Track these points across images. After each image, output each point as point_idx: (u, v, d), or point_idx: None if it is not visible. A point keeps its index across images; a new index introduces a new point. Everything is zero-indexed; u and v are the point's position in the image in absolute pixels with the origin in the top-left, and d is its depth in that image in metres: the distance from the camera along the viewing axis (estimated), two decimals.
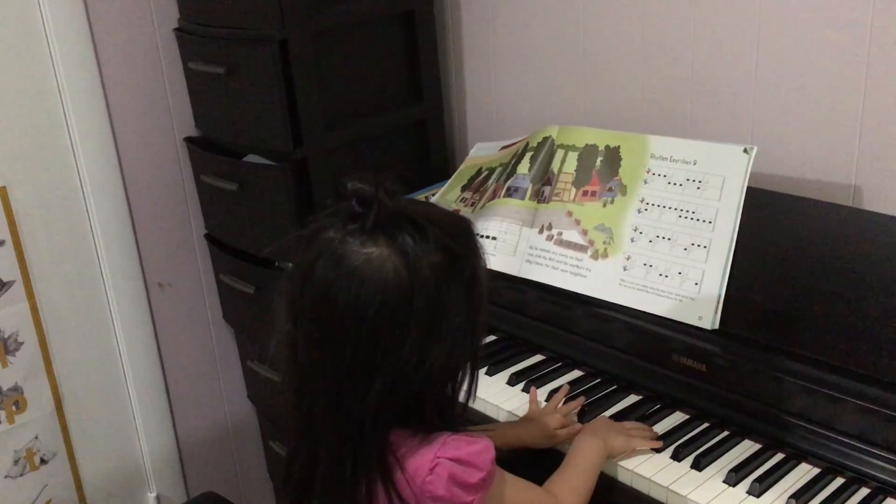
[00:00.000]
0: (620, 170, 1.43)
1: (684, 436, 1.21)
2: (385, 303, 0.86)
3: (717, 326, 1.26)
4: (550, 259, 1.45)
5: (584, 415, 1.28)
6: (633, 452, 1.18)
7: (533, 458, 1.23)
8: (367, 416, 0.88)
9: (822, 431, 1.14)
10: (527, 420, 1.26)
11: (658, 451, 1.19)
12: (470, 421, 1.01)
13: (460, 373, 0.94)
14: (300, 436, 0.95)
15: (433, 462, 0.89)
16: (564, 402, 1.29)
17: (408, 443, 0.91)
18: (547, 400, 1.32)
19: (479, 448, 0.91)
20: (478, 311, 0.92)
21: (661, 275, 1.33)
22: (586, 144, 1.49)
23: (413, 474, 0.90)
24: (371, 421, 0.89)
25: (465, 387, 0.96)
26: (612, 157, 1.45)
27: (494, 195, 1.58)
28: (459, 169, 1.79)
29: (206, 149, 1.88)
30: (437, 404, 0.94)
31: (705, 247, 1.31)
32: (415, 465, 0.90)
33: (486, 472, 0.91)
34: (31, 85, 1.74)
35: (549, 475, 1.11)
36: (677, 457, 1.17)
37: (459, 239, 0.91)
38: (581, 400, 1.28)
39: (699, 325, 1.27)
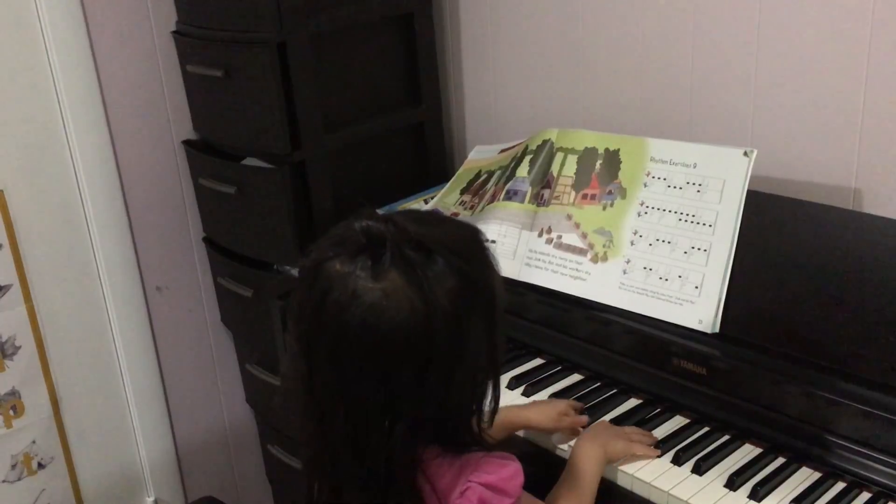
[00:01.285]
0: (620, 173, 1.43)
1: (685, 440, 1.21)
2: (406, 339, 0.83)
3: (717, 330, 1.25)
4: (550, 262, 1.44)
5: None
6: (632, 457, 1.18)
7: (533, 455, 1.23)
8: (396, 451, 0.86)
9: (823, 435, 1.13)
10: (533, 404, 1.27)
11: (658, 455, 1.19)
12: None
13: (486, 391, 0.92)
14: (323, 479, 0.93)
15: (465, 486, 0.88)
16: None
17: (438, 461, 0.90)
18: None
19: (510, 473, 0.90)
20: (497, 326, 0.90)
21: (661, 278, 1.33)
22: (586, 147, 1.49)
23: (443, 495, 0.89)
24: (400, 454, 0.87)
25: (489, 397, 0.94)
26: (612, 160, 1.45)
27: (493, 198, 1.58)
28: (458, 172, 1.78)
29: (204, 152, 1.87)
30: (464, 422, 0.92)
31: (705, 250, 1.30)
32: (446, 486, 0.89)
33: (515, 497, 0.91)
34: (29, 88, 1.74)
35: (551, 476, 1.10)
36: (678, 461, 1.17)
37: (473, 258, 0.88)
38: (585, 418, 1.27)
39: (699, 329, 1.27)
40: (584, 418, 1.25)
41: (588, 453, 1.14)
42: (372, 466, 0.87)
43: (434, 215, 1.03)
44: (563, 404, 1.26)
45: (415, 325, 0.83)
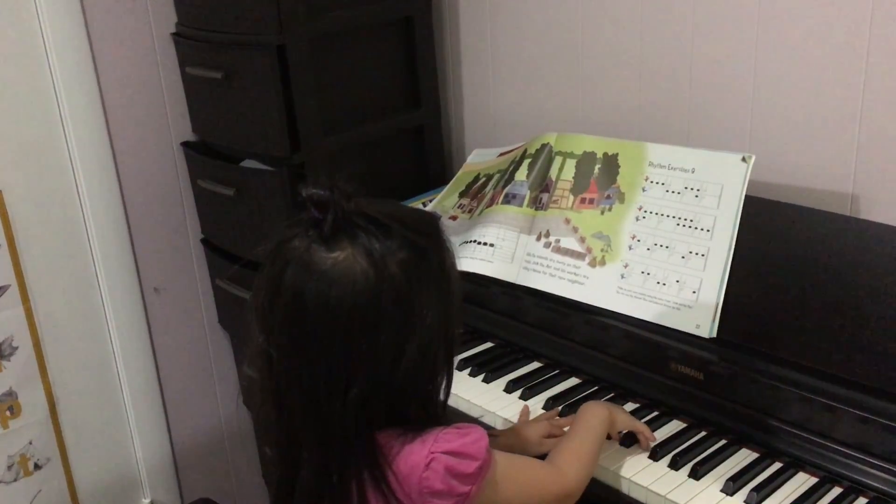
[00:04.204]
0: (618, 177, 1.43)
1: (682, 444, 1.21)
2: (355, 304, 0.87)
3: (714, 335, 1.26)
4: (548, 266, 1.45)
5: None
6: (629, 461, 1.18)
7: None
8: (350, 420, 0.88)
9: (820, 440, 1.14)
10: (513, 429, 1.26)
11: (655, 459, 1.19)
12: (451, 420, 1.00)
13: (439, 369, 0.94)
14: (282, 446, 0.95)
15: (428, 457, 0.89)
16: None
17: (397, 443, 0.91)
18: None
19: (472, 437, 0.92)
20: (450, 303, 0.93)
21: (658, 283, 1.33)
22: (584, 152, 1.49)
23: (408, 473, 0.90)
24: (354, 424, 0.89)
25: (444, 383, 0.96)
26: (611, 164, 1.45)
27: (492, 202, 1.58)
28: (457, 175, 1.79)
29: (203, 153, 1.87)
30: (419, 401, 0.94)
31: (703, 255, 1.31)
32: (409, 463, 0.90)
33: (482, 460, 0.92)
34: (29, 89, 1.74)
35: None
36: (675, 465, 1.17)
37: (424, 233, 0.92)
38: (571, 419, 1.28)
39: (697, 334, 1.27)
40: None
41: (593, 410, 1.17)
42: (329, 430, 0.89)
43: (392, 200, 1.06)
44: (543, 427, 1.24)
45: (365, 291, 0.87)
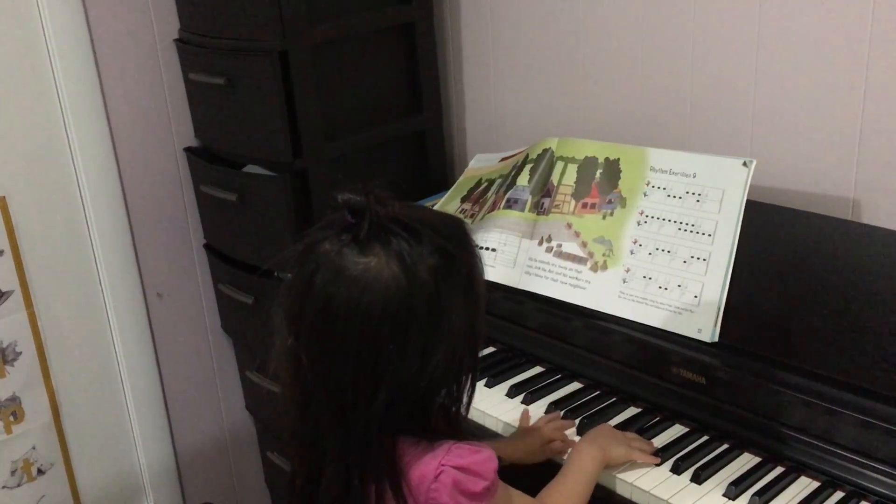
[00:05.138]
0: (620, 182, 1.44)
1: (684, 448, 1.21)
2: (386, 310, 0.87)
3: (716, 339, 1.26)
4: (550, 271, 1.45)
5: (584, 427, 1.27)
6: (632, 465, 1.18)
7: (530, 469, 1.23)
8: (373, 425, 0.89)
9: (822, 445, 1.14)
10: (517, 435, 1.26)
11: (657, 463, 1.19)
12: (468, 433, 1.00)
13: (463, 376, 0.95)
14: (304, 449, 0.95)
15: (438, 470, 0.90)
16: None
17: (412, 451, 0.91)
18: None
19: (484, 457, 0.92)
20: (476, 310, 0.93)
21: (660, 287, 1.33)
22: (586, 157, 1.49)
23: (418, 482, 0.90)
24: (378, 429, 0.89)
25: (467, 390, 0.96)
26: (612, 169, 1.45)
27: (494, 206, 1.59)
28: (459, 180, 1.79)
29: (205, 159, 1.88)
30: (441, 410, 0.94)
31: (705, 259, 1.31)
32: (420, 472, 0.90)
33: (490, 481, 0.92)
34: (32, 95, 1.74)
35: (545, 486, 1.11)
36: (677, 470, 1.17)
37: (454, 239, 0.92)
38: (573, 423, 1.28)
39: (698, 338, 1.27)
40: (572, 441, 1.24)
41: (586, 451, 1.15)
42: (353, 434, 0.89)
43: (418, 204, 1.06)
44: (547, 431, 1.24)
45: (396, 296, 0.87)
